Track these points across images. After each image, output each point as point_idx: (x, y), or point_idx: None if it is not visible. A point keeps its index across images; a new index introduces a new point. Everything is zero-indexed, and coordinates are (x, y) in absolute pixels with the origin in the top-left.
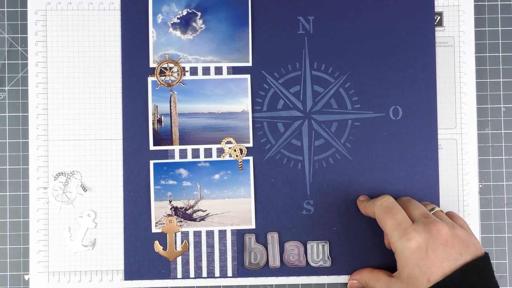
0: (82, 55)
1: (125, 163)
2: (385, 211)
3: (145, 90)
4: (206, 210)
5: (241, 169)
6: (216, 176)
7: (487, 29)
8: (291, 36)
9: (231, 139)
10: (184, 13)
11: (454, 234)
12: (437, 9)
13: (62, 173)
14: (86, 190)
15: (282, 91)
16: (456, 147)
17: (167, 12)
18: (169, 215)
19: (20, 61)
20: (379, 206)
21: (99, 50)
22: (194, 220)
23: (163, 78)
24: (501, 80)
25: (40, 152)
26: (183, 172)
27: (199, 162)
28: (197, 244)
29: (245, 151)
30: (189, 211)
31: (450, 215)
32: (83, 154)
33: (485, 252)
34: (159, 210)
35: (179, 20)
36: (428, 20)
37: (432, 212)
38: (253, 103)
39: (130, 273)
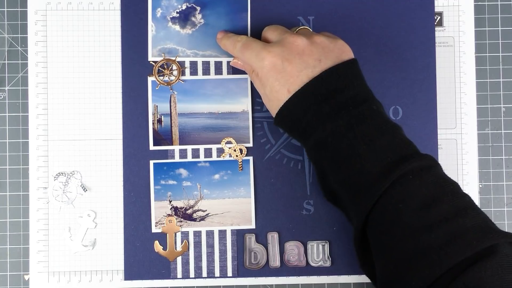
0: (82, 55)
1: (125, 163)
2: (242, 48)
3: (145, 90)
4: (206, 210)
5: (241, 169)
6: (216, 176)
7: (487, 29)
8: None
9: (231, 139)
10: (184, 7)
11: (312, 43)
12: (437, 9)
13: (62, 173)
14: (86, 190)
15: None
16: (456, 147)
17: (167, 6)
18: (169, 215)
19: (20, 61)
20: (238, 46)
21: (99, 50)
22: (194, 220)
23: (161, 77)
24: (501, 80)
25: (40, 152)
26: (183, 172)
27: (199, 162)
28: (197, 244)
29: (245, 151)
30: (189, 211)
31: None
32: (83, 154)
33: (353, 59)
34: (159, 210)
35: (178, 15)
36: (428, 20)
37: (296, 30)
38: (253, 103)
39: (130, 273)
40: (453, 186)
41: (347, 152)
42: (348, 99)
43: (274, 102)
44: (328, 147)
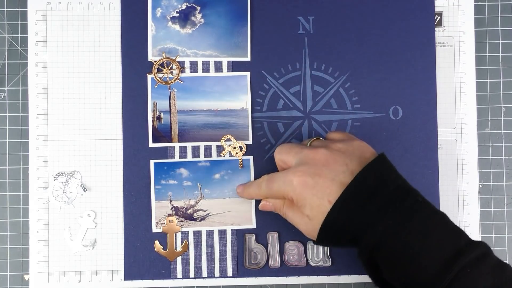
0: (82, 55)
1: (125, 163)
2: (268, 183)
3: (144, 89)
4: (206, 210)
5: (241, 166)
6: (217, 176)
7: (487, 29)
8: (291, 36)
9: (231, 137)
10: (183, 7)
11: (332, 151)
12: (437, 9)
13: (62, 173)
14: (86, 190)
15: (282, 91)
16: (456, 147)
17: (166, 6)
18: (169, 214)
19: (20, 61)
20: (263, 185)
21: (99, 50)
22: (195, 219)
23: (160, 76)
24: (501, 80)
25: (40, 152)
26: (183, 171)
27: (200, 161)
28: (197, 244)
29: (245, 148)
30: (189, 211)
31: (327, 135)
32: (83, 154)
33: (381, 154)
34: (159, 210)
35: (178, 14)
36: (428, 20)
37: (308, 144)
38: (253, 103)
39: (130, 273)
40: (509, 273)
41: (402, 251)
42: (391, 194)
43: (319, 218)
44: (381, 247)
